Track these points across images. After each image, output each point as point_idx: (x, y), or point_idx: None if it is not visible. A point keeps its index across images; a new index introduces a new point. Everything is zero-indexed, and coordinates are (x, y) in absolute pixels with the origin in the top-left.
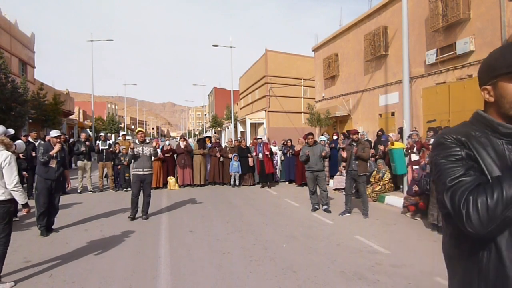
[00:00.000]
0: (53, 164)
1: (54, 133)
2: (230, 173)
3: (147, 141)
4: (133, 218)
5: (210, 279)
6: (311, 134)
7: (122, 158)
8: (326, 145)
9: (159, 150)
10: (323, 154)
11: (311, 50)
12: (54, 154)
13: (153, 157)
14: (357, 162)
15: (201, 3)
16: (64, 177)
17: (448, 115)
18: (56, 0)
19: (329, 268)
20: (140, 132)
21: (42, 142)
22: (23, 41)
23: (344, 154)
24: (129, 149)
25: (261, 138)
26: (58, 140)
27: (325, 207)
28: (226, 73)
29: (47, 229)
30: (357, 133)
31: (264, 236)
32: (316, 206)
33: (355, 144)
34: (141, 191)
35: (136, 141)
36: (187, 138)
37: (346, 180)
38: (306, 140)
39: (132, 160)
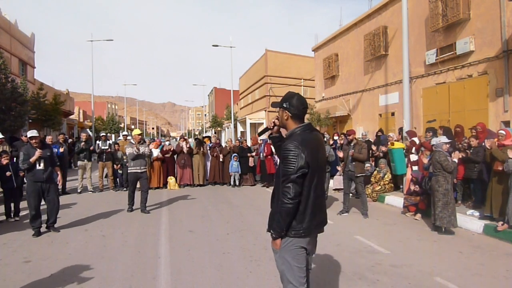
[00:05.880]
0: (40, 166)
1: (30, 133)
2: (230, 173)
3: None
4: (131, 210)
5: (210, 279)
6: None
7: (124, 157)
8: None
9: (157, 151)
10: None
11: (311, 50)
12: (36, 159)
13: (147, 157)
14: (353, 163)
15: (201, 3)
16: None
17: (448, 115)
18: (56, 0)
19: (329, 268)
20: (139, 135)
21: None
22: (23, 41)
23: (341, 154)
24: (134, 149)
25: (262, 139)
26: (35, 141)
27: None
28: (226, 73)
29: (48, 228)
30: (354, 133)
31: (264, 236)
32: None
33: (351, 145)
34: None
35: (132, 141)
36: (187, 138)
37: (344, 180)
38: None
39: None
